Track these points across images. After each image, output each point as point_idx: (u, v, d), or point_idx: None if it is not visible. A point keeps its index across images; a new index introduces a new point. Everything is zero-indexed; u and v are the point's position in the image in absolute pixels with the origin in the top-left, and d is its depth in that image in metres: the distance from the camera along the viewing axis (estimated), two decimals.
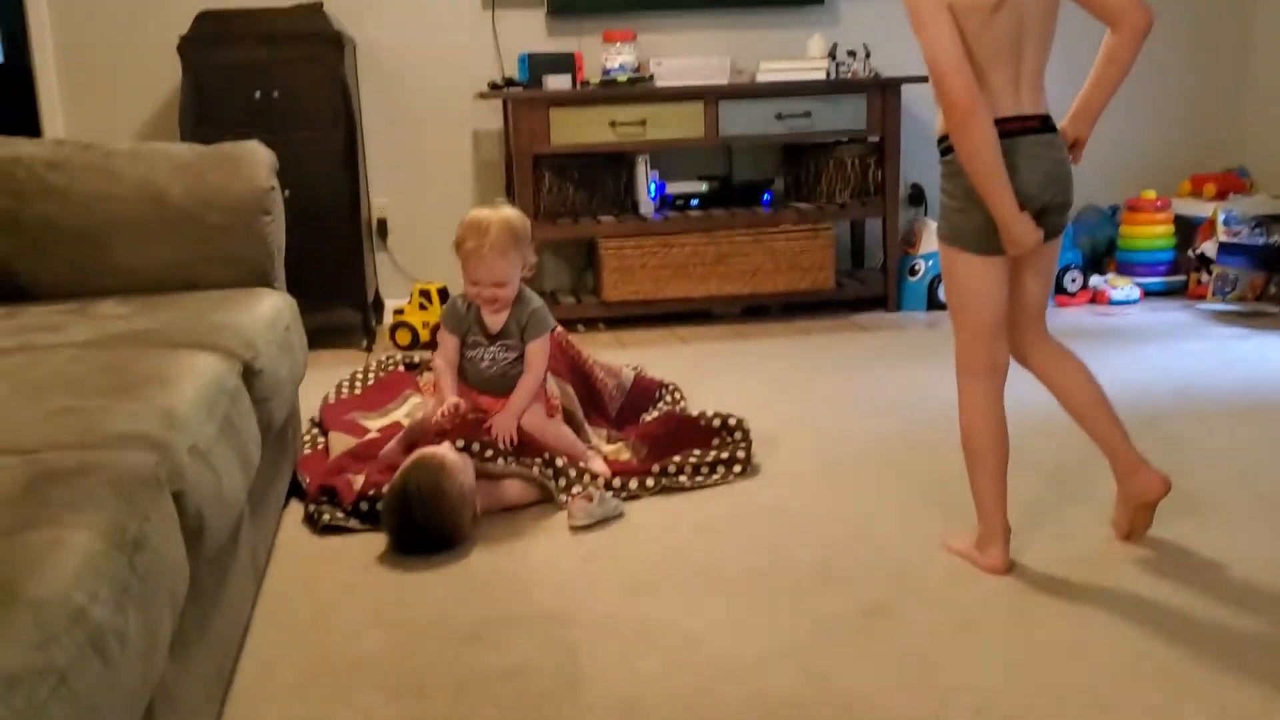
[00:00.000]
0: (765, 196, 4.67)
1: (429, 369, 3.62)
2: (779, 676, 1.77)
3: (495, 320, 2.63)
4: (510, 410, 2.60)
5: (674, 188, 4.65)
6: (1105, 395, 2.15)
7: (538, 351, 2.62)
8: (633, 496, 2.57)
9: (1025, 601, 2.00)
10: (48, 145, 2.55)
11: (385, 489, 2.35)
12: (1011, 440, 2.13)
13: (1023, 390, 2.18)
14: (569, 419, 2.81)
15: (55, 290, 2.48)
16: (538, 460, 2.53)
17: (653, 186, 4.61)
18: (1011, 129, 1.96)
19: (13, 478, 1.24)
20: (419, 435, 2.65)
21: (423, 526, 2.25)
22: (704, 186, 4.67)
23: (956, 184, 2.02)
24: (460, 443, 2.49)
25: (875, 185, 4.62)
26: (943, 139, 2.00)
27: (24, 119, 4.58)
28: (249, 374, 1.99)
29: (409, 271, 4.74)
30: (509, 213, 2.59)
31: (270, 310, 2.33)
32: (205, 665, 1.58)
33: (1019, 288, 2.12)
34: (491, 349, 2.65)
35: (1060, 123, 2.07)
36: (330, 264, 4.15)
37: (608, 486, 2.56)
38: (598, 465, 2.67)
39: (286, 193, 3.77)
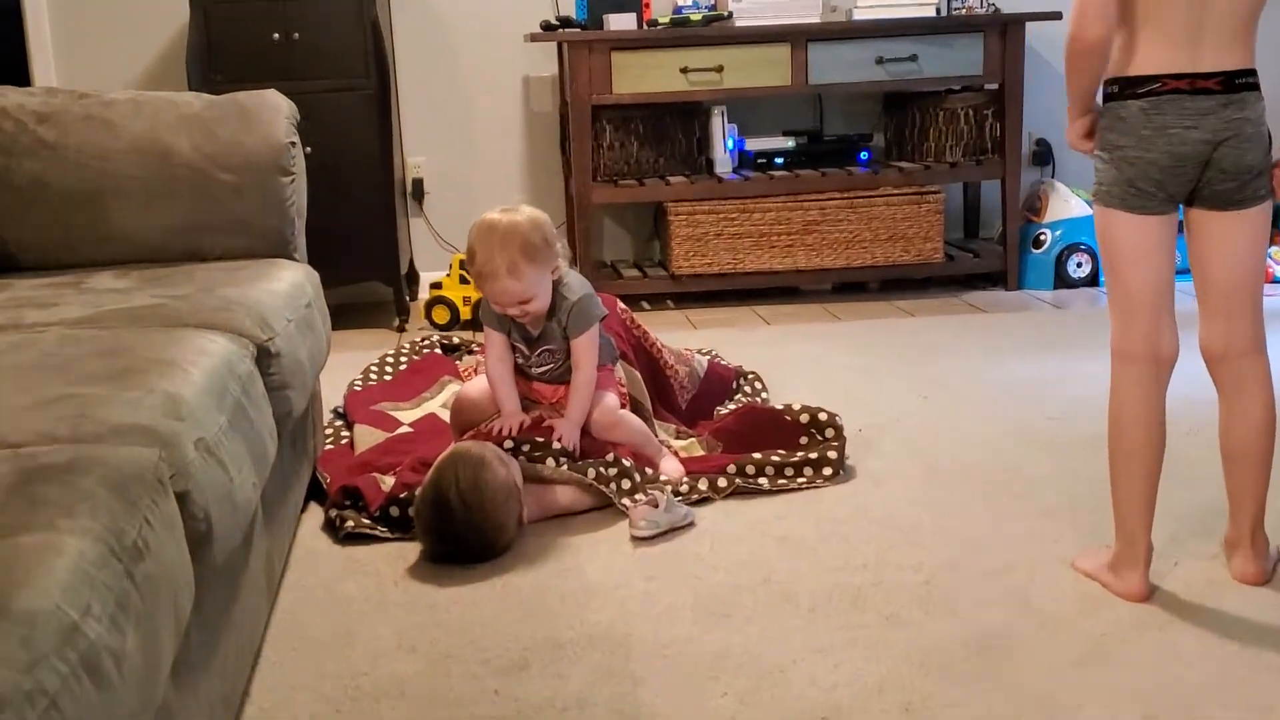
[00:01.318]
0: (863, 154, 4.63)
1: (470, 351, 3.64)
2: (875, 717, 1.75)
3: (534, 326, 2.64)
4: (572, 418, 2.60)
5: (755, 144, 4.62)
6: (1270, 454, 2.10)
7: (584, 348, 2.62)
8: (704, 500, 2.57)
9: (1167, 633, 1.97)
10: (38, 94, 2.60)
11: (418, 491, 2.36)
12: (1167, 444, 2.09)
13: (1176, 383, 2.13)
14: (636, 410, 2.82)
15: (46, 259, 2.52)
16: (599, 462, 2.54)
17: (730, 142, 4.59)
18: (1175, 87, 1.94)
19: None
20: (467, 412, 2.68)
21: (460, 530, 2.27)
22: (790, 143, 4.64)
23: (1102, 136, 2.02)
24: (509, 443, 2.51)
25: (993, 141, 4.56)
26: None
27: (12, 65, 4.66)
28: (264, 357, 2.01)
29: (448, 239, 4.76)
30: (522, 219, 2.52)
31: (289, 284, 2.35)
32: (212, 690, 1.60)
33: (1196, 265, 2.08)
34: (536, 355, 2.67)
35: None
36: (358, 231, 4.18)
37: (676, 491, 2.56)
38: (670, 466, 2.68)
39: (308, 149, 3.78)
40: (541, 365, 2.67)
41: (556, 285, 2.59)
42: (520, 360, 2.68)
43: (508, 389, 2.66)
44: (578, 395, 2.62)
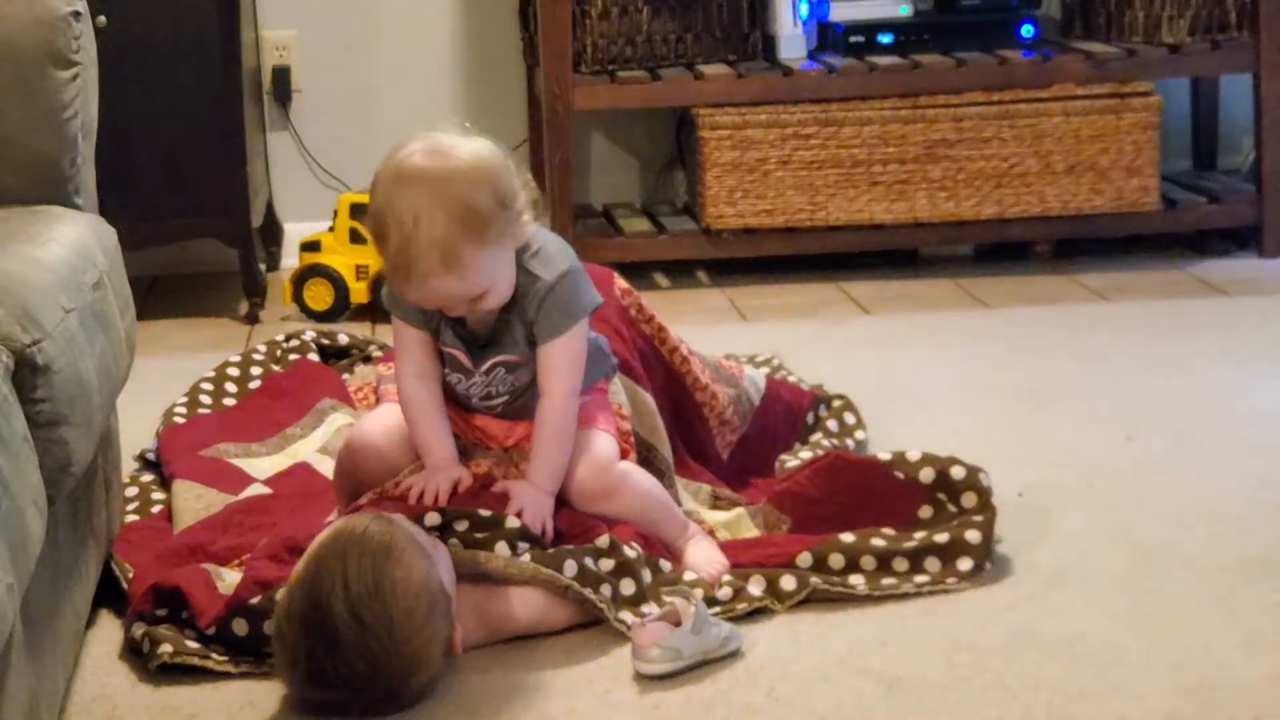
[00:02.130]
0: (1025, 29, 4.63)
1: (368, 358, 3.62)
2: None
3: (481, 323, 2.62)
4: (540, 481, 2.59)
5: (846, 10, 4.62)
6: None
7: (562, 363, 2.59)
8: (758, 612, 2.56)
9: None
10: None
11: (279, 595, 2.34)
12: None
13: None
14: (646, 462, 2.80)
15: None
16: (583, 551, 2.52)
17: (806, 8, 4.59)
18: None
19: None
20: (362, 464, 2.67)
21: (351, 665, 2.24)
22: (905, 8, 4.64)
23: None
24: (435, 517, 2.49)
25: (1238, 10, 4.54)
26: None
27: None
28: (26, 374, 2.00)
29: (332, 168, 4.77)
30: (459, 164, 2.49)
31: (67, 249, 2.34)
32: None
33: None
34: (484, 371, 2.65)
35: None
36: (182, 157, 4.19)
37: (711, 600, 2.54)
38: (702, 556, 2.65)
39: (101, 20, 3.79)
40: (491, 389, 2.67)
41: (522, 258, 2.59)
42: (455, 379, 2.66)
43: (434, 424, 2.64)
44: (549, 441, 2.61)
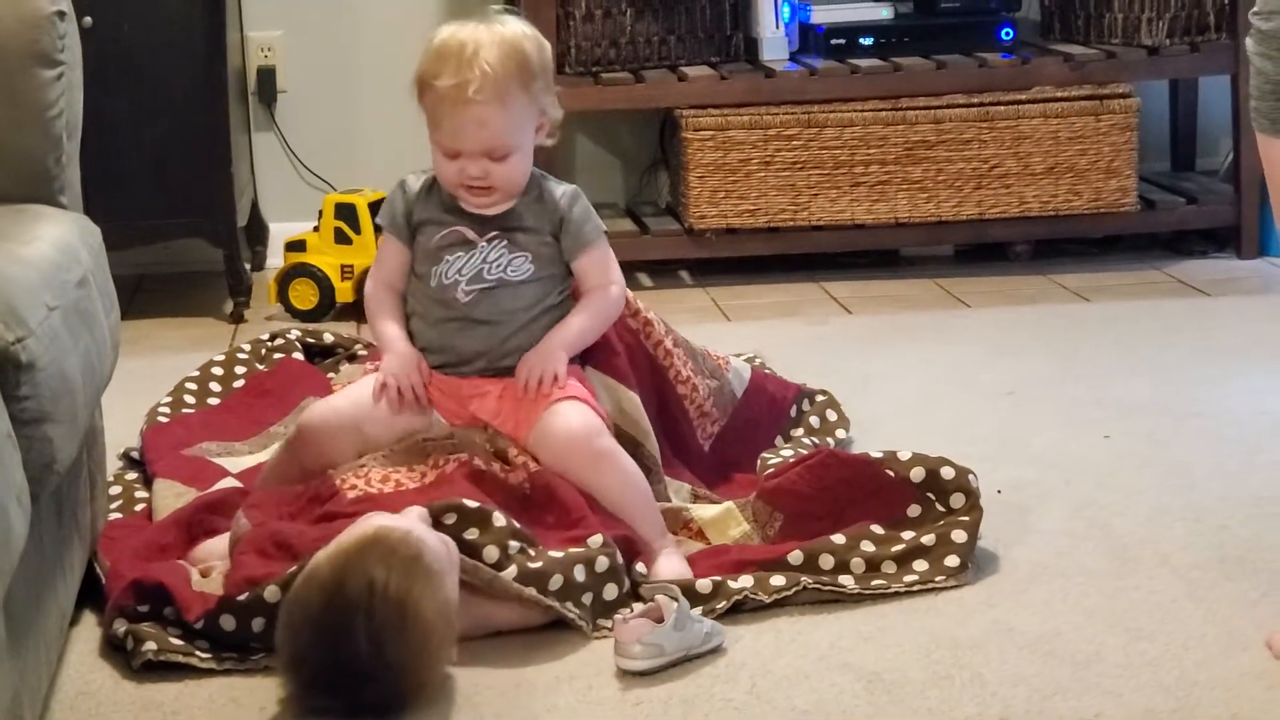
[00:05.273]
0: (1004, 31, 4.63)
1: (353, 357, 3.61)
2: None
3: (489, 209, 2.72)
4: (551, 344, 2.70)
5: (827, 13, 4.62)
6: None
7: (607, 262, 2.78)
8: (740, 608, 2.55)
9: None
10: None
11: (292, 586, 2.32)
12: None
13: None
14: (634, 455, 2.79)
15: None
16: (571, 559, 2.49)
17: (788, 10, 4.59)
18: None
19: None
20: (313, 448, 2.71)
21: (353, 689, 2.23)
22: (886, 11, 4.64)
23: None
24: (422, 512, 2.46)
25: (1219, 10, 4.54)
26: None
27: None
28: (10, 372, 1.99)
29: (316, 168, 4.76)
30: (513, 30, 2.71)
31: (51, 247, 2.34)
32: None
33: None
34: (481, 250, 2.71)
35: None
36: (167, 157, 4.19)
37: (690, 593, 2.53)
38: (670, 568, 2.64)
39: (87, 21, 3.78)
40: (484, 267, 2.73)
41: (536, 174, 2.74)
42: (453, 257, 2.73)
43: (393, 321, 2.78)
44: (590, 313, 2.77)
